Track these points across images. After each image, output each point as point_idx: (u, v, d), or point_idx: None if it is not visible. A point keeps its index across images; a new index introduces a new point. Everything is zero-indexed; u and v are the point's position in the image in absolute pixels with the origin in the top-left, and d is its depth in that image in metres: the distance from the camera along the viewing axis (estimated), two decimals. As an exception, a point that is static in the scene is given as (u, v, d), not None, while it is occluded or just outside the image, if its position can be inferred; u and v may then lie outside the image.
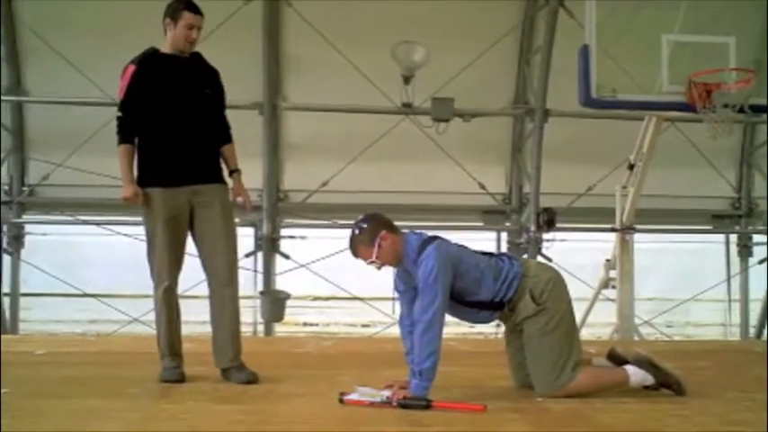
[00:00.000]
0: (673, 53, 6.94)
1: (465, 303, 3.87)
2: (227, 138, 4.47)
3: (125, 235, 9.20)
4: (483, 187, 10.14)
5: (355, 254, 3.92)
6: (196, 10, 4.27)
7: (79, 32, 9.10)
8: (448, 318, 3.84)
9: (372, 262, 3.87)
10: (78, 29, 9.10)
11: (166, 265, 4.25)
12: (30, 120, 9.74)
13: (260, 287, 9.57)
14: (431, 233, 3.98)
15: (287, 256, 9.86)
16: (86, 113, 9.15)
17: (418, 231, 3.98)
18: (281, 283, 9.81)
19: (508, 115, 10.16)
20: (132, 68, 4.25)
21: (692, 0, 7.20)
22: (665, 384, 3.96)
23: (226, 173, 4.46)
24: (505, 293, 3.86)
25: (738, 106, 6.82)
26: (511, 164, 10.39)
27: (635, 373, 3.93)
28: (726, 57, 6.94)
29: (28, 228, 10.06)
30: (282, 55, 9.57)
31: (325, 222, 9.77)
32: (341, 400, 3.67)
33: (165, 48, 4.31)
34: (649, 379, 3.94)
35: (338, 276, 9.63)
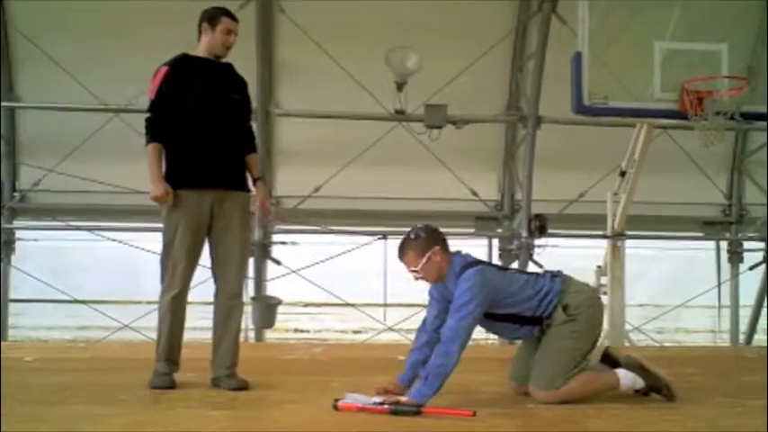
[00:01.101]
0: (665, 60, 6.97)
1: (505, 320, 3.93)
2: (251, 147, 4.52)
3: (117, 241, 9.21)
4: (475, 194, 10.15)
5: (402, 257, 3.96)
6: (233, 16, 4.39)
7: (72, 38, 9.08)
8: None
9: (414, 271, 3.89)
10: (71, 34, 9.08)
11: (180, 270, 4.23)
12: (21, 125, 9.70)
13: (251, 293, 9.55)
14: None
15: (278, 262, 9.84)
16: (79, 119, 9.15)
17: (465, 253, 4.03)
18: (272, 289, 9.79)
19: (501, 122, 10.18)
20: (164, 70, 4.29)
21: (685, 2, 7.23)
22: (655, 388, 3.99)
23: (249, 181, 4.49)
24: (545, 309, 3.91)
25: (730, 114, 6.85)
26: (503, 170, 10.40)
27: (625, 377, 3.98)
28: (718, 64, 6.97)
29: (19, 234, 10.01)
30: (275, 61, 9.57)
31: (318, 228, 9.76)
32: (335, 407, 3.67)
33: (199, 52, 4.37)
34: (639, 382, 3.97)
35: (330, 282, 9.63)
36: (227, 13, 4.36)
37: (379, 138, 9.33)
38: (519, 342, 4.28)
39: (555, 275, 4.05)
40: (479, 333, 4.16)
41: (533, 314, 3.91)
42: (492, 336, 4.86)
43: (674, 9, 7.27)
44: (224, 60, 4.42)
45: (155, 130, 4.27)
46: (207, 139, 4.25)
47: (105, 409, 3.72)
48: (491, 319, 3.88)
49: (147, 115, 4.30)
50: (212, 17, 4.33)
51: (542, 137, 9.59)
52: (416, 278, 3.95)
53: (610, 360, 4.14)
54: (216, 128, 4.28)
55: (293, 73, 9.61)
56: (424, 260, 3.87)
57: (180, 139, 4.26)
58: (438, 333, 3.91)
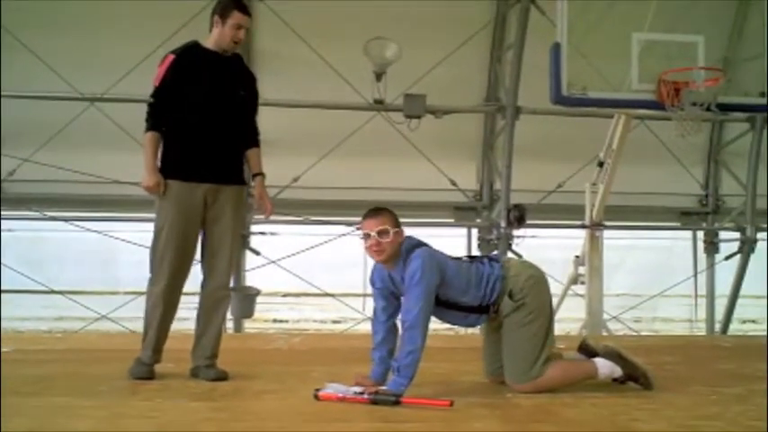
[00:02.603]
0: (643, 51, 7.01)
1: (453, 308, 3.91)
2: (254, 142, 4.49)
3: (94, 231, 9.13)
4: (454, 184, 10.17)
5: (376, 216, 3.85)
6: (246, 11, 4.31)
7: (48, 27, 8.96)
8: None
9: (384, 232, 3.79)
10: (48, 23, 8.96)
11: (169, 262, 4.19)
12: (-4, 114, 9.58)
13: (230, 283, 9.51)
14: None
15: (257, 252, 9.81)
16: (54, 108, 9.05)
17: (408, 235, 4.00)
18: (251, 280, 9.77)
19: (479, 112, 10.20)
20: (171, 58, 4.24)
21: (661, -1, 7.28)
22: (633, 377, 4.02)
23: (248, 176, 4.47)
24: (490, 297, 3.91)
25: (706, 105, 6.90)
26: (482, 160, 10.43)
27: (603, 365, 4.01)
28: (695, 55, 7.02)
29: (-6, 223, 9.90)
30: (254, 50, 9.50)
31: (297, 219, 9.73)
32: (316, 396, 3.68)
33: (209, 44, 4.32)
34: (617, 371, 4.00)
35: (309, 273, 9.63)
36: (239, 6, 4.26)
37: (358, 127, 9.31)
38: (484, 336, 4.26)
39: (492, 259, 4.05)
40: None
41: (480, 303, 3.91)
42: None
43: (651, 0, 7.31)
44: (233, 53, 4.36)
45: (155, 118, 4.23)
46: (205, 133, 4.22)
47: (83, 400, 3.69)
48: (442, 306, 3.86)
49: (150, 101, 4.25)
50: (224, 9, 4.25)
51: (521, 127, 9.61)
52: (374, 244, 3.80)
53: (587, 351, 4.17)
54: (216, 122, 4.24)
55: (272, 62, 9.55)
56: (392, 231, 3.81)
57: (178, 130, 4.22)
58: (392, 321, 3.94)
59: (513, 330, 3.93)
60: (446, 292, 3.84)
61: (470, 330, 6.85)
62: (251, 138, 4.47)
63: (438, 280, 3.77)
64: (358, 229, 3.90)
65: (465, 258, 4.11)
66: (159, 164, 4.22)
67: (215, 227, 4.27)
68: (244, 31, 4.29)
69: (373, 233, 3.81)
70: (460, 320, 4.06)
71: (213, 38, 4.30)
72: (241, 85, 4.40)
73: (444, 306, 3.88)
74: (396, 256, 3.85)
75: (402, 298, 3.86)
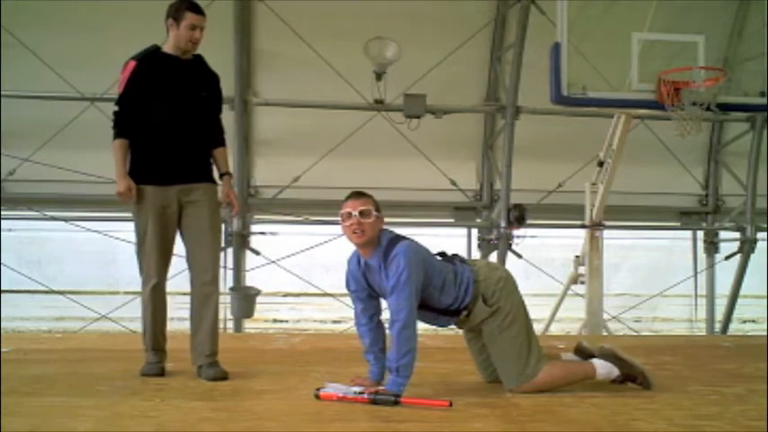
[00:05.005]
0: (643, 51, 7.02)
1: (426, 308, 3.87)
2: (219, 141, 4.51)
3: (93, 231, 9.13)
4: (454, 183, 10.18)
5: (361, 198, 3.86)
6: (199, 10, 4.30)
7: (48, 27, 8.98)
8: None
9: (366, 212, 3.78)
10: (48, 23, 8.97)
11: (155, 262, 4.27)
12: (-4, 114, 9.58)
13: (230, 283, 9.53)
14: (402, 229, 3.99)
15: (257, 252, 9.82)
16: (55, 108, 9.06)
17: (387, 229, 3.99)
18: (251, 280, 9.77)
19: (479, 112, 10.20)
20: (133, 64, 4.27)
21: (661, -1, 7.30)
22: (630, 377, 4.02)
23: (216, 175, 4.50)
24: (463, 300, 3.88)
25: (706, 104, 6.91)
26: (482, 160, 10.43)
27: (601, 366, 4.00)
28: (695, 55, 7.03)
29: (-7, 224, 9.90)
30: (254, 50, 9.53)
31: (296, 218, 9.74)
32: (317, 396, 3.69)
33: (168, 47, 4.34)
34: (615, 372, 4.00)
35: (309, 273, 9.63)
36: (191, 7, 4.26)
37: (358, 127, 9.32)
38: (469, 345, 4.24)
39: (463, 261, 4.01)
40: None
41: (452, 304, 3.87)
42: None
43: (651, 0, 7.32)
44: (195, 53, 4.38)
45: (122, 125, 4.27)
46: (171, 136, 4.25)
47: (82, 400, 3.69)
48: (419, 308, 3.81)
49: (115, 109, 4.29)
50: (176, 12, 4.26)
51: (521, 127, 9.63)
52: (355, 224, 3.76)
53: (583, 353, 4.16)
54: (180, 125, 4.27)
55: (272, 62, 9.57)
56: (375, 213, 3.81)
57: (145, 135, 4.26)
58: (374, 321, 3.93)
59: (495, 337, 3.92)
60: (426, 288, 3.80)
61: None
62: (216, 137, 4.49)
63: (422, 274, 3.76)
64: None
65: (438, 257, 4.07)
66: (129, 169, 4.27)
67: (193, 225, 4.32)
68: (200, 31, 4.28)
69: (355, 212, 3.79)
70: (431, 320, 4.01)
71: (171, 41, 4.31)
72: (203, 86, 4.40)
73: (426, 309, 3.85)
74: (374, 242, 3.82)
75: (380, 297, 3.84)
